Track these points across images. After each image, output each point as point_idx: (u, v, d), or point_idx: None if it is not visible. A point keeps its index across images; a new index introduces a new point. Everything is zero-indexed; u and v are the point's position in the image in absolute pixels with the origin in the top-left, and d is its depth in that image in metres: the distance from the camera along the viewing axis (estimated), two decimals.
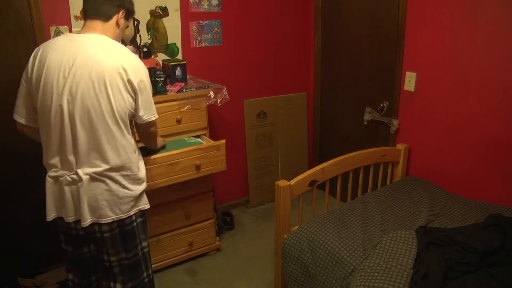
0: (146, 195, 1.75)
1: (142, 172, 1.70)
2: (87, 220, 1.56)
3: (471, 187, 2.30)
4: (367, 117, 2.88)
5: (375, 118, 2.84)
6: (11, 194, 2.34)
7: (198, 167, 2.33)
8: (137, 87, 1.58)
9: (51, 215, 1.61)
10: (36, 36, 2.24)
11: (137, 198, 1.67)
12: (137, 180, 1.66)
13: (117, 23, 1.68)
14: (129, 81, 1.55)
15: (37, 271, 2.43)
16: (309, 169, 2.34)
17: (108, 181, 1.57)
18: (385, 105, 2.75)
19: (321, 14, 3.19)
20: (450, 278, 1.56)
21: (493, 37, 2.07)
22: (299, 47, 3.33)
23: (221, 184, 3.15)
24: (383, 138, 2.82)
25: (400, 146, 2.58)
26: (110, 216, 1.58)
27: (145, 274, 1.78)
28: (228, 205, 3.28)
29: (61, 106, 1.50)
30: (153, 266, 2.44)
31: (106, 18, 1.63)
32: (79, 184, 1.53)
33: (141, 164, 1.72)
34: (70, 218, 1.59)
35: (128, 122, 1.61)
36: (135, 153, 1.67)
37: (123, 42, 2.54)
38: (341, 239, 1.90)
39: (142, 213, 1.73)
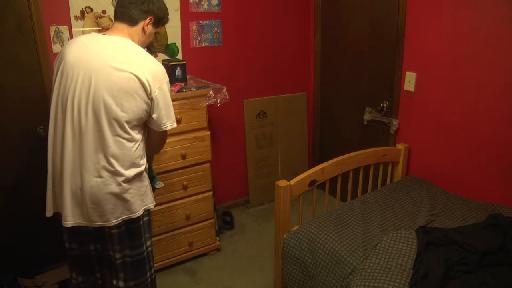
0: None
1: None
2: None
3: (471, 187, 2.30)
4: (367, 117, 2.88)
5: (375, 118, 2.83)
6: (12, 194, 2.34)
7: (184, 156, 2.40)
8: (154, 95, 1.57)
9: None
10: (36, 36, 2.24)
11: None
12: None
13: (143, 29, 1.68)
14: (145, 88, 1.54)
15: (37, 271, 2.43)
16: (309, 169, 2.34)
17: None
18: (385, 105, 2.75)
19: (321, 14, 3.19)
20: (450, 278, 1.56)
21: (493, 37, 2.06)
22: (299, 47, 3.33)
23: (221, 184, 3.15)
24: (383, 138, 2.82)
25: (400, 146, 2.58)
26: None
27: (148, 274, 1.78)
28: (228, 205, 3.28)
29: (72, 101, 1.52)
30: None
31: (132, 22, 1.64)
32: None
33: None
34: None
35: (136, 126, 1.60)
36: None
37: None
38: (341, 239, 1.90)
39: (148, 212, 1.73)
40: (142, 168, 1.64)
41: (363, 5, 2.80)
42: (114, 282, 1.73)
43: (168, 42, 2.70)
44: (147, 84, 1.55)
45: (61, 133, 1.55)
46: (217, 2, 2.82)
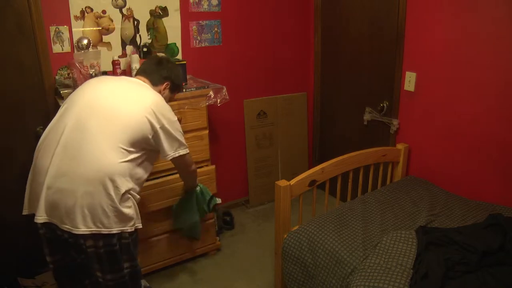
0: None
1: None
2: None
3: (471, 187, 2.30)
4: (367, 117, 2.88)
5: (375, 118, 2.83)
6: (12, 194, 2.34)
7: None
8: (165, 124, 1.73)
9: None
10: (36, 36, 2.24)
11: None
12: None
13: (160, 92, 1.88)
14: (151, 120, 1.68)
15: (37, 271, 2.43)
16: (309, 169, 2.34)
17: None
18: (385, 105, 2.75)
19: (321, 14, 3.19)
20: (450, 278, 1.56)
21: (493, 37, 2.06)
22: (299, 47, 3.33)
23: (221, 184, 3.15)
24: (383, 138, 2.82)
25: (400, 146, 2.58)
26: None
27: None
28: (228, 205, 3.28)
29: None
30: (153, 266, 2.45)
31: (153, 83, 1.87)
32: None
33: None
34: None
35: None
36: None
37: (123, 43, 2.55)
38: (341, 239, 1.90)
39: (129, 235, 1.64)
40: (130, 186, 1.61)
41: (363, 5, 2.80)
42: None
43: (168, 42, 2.70)
44: (153, 117, 1.68)
45: (61, 128, 1.60)
46: (217, 2, 2.82)
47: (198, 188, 2.36)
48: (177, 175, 2.31)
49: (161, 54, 2.37)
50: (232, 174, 3.24)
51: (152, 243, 2.41)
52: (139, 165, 1.67)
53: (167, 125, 1.74)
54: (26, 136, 2.32)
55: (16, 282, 2.33)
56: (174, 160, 1.85)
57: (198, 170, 2.40)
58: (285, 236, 2.08)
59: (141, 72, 1.90)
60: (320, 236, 1.95)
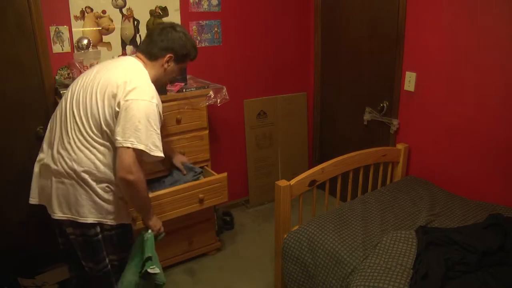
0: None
1: None
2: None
3: (471, 187, 2.30)
4: (367, 117, 2.88)
5: (375, 118, 2.83)
6: (12, 193, 2.34)
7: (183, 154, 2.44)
8: (122, 104, 1.51)
9: None
10: (36, 36, 2.24)
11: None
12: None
13: (163, 66, 1.72)
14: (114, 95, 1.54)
15: (37, 271, 2.43)
16: (309, 169, 2.34)
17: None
18: (385, 105, 2.75)
19: (321, 14, 3.19)
20: (450, 278, 1.56)
21: (493, 37, 2.06)
22: (299, 47, 3.33)
23: None
24: (383, 138, 2.82)
25: (400, 146, 2.58)
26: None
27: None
28: (228, 205, 3.28)
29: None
30: None
31: (152, 58, 1.70)
32: None
33: None
34: None
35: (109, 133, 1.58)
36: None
37: (123, 43, 2.55)
38: (341, 239, 1.90)
39: (110, 227, 1.64)
40: (107, 177, 1.59)
41: (363, 5, 2.80)
42: None
43: None
44: (117, 90, 1.54)
45: (51, 124, 1.69)
46: (217, 2, 2.82)
47: (146, 235, 1.73)
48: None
49: (169, 22, 1.96)
50: (232, 174, 3.23)
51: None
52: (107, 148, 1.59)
53: (128, 102, 1.49)
54: (26, 136, 2.32)
55: (16, 282, 2.33)
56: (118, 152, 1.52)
57: (207, 180, 2.28)
58: (285, 236, 2.08)
59: (141, 49, 1.74)
60: (320, 236, 1.95)
